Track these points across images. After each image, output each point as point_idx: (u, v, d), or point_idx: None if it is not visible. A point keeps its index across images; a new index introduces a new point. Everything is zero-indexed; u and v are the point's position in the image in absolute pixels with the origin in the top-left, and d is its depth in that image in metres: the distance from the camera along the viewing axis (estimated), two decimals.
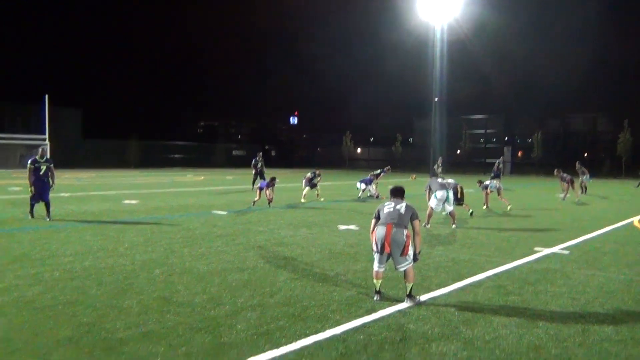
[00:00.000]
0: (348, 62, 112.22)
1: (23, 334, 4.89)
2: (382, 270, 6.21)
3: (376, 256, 6.20)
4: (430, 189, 12.87)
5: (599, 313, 5.87)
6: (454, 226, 12.40)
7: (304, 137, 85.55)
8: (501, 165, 24.50)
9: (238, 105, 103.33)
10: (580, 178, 23.45)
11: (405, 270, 6.09)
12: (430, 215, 12.50)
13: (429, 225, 12.29)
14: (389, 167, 22.39)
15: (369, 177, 20.56)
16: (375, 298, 6.18)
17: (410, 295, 6.09)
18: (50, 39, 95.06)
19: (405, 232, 6.11)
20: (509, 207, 16.27)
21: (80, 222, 12.39)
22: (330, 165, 58.90)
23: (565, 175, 21.05)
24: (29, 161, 12.81)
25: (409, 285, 6.09)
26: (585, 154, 54.23)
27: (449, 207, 12.52)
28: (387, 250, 6.06)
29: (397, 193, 6.71)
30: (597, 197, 22.88)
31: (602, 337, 5.10)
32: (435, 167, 24.97)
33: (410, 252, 6.13)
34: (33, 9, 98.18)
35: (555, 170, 22.09)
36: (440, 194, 12.42)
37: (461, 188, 14.75)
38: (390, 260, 6.19)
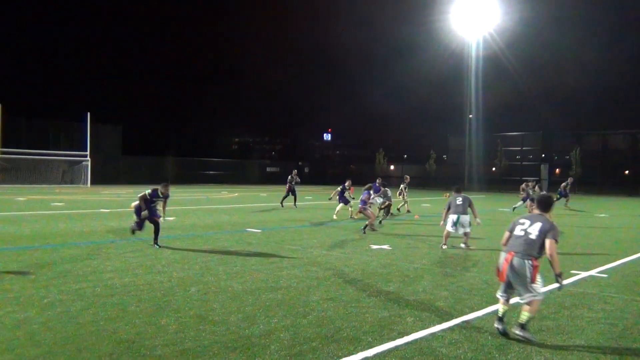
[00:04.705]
0: (382, 79, 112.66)
1: (67, 349, 5.10)
2: (503, 298, 5.96)
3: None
4: (449, 209, 12.32)
5: (638, 340, 5.75)
6: (462, 245, 12.15)
7: (337, 154, 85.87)
8: (537, 188, 24.03)
9: (272, 121, 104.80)
10: None
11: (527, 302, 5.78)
12: (447, 237, 12.14)
13: (445, 247, 12.04)
14: (407, 177, 23.49)
15: (376, 185, 19.50)
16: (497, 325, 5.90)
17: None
18: (93, 59, 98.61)
19: (531, 261, 5.69)
20: None
21: (119, 238, 12.76)
22: (363, 182, 58.76)
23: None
24: (149, 191, 11.59)
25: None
26: (626, 172, 52.66)
27: (462, 229, 12.03)
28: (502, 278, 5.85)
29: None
30: None
31: None
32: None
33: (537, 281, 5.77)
34: (77, 33, 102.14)
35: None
36: (451, 217, 12.05)
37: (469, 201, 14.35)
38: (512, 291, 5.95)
